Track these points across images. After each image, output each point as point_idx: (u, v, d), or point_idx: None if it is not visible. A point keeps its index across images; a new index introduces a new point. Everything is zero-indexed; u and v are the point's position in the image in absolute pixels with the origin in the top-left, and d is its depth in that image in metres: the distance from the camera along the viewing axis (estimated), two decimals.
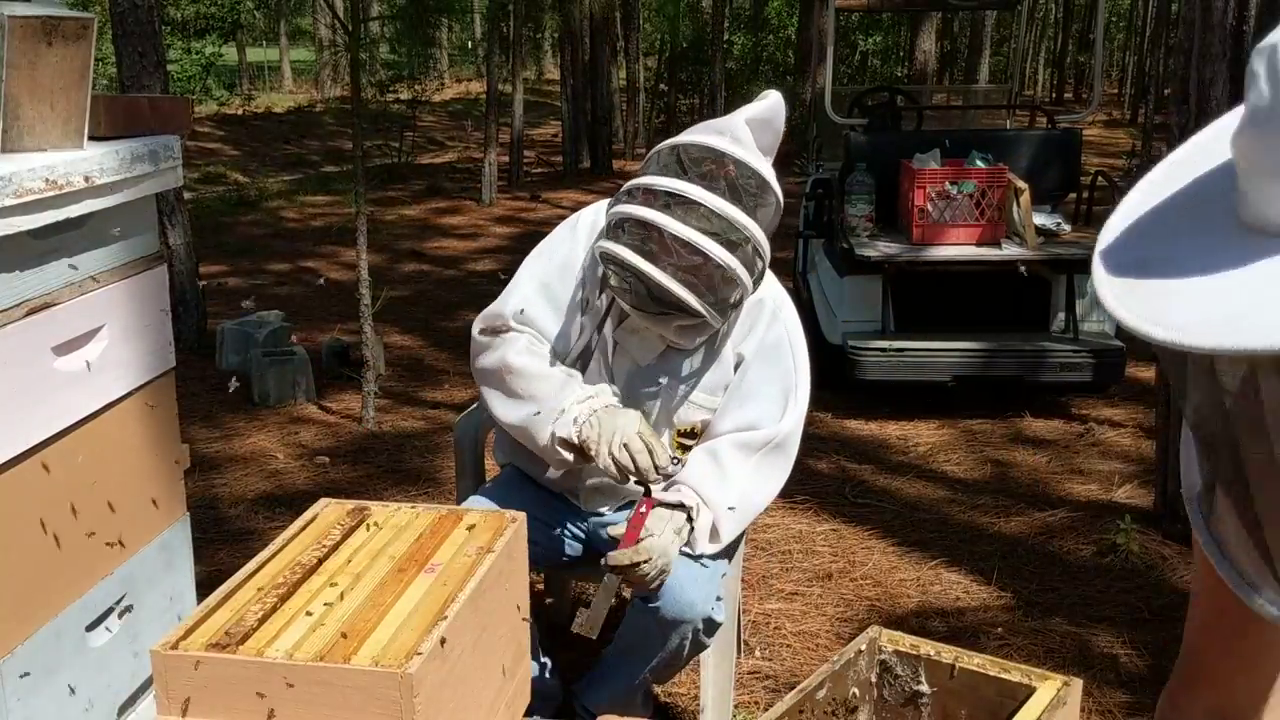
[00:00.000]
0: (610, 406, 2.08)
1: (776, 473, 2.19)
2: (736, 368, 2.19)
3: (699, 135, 1.99)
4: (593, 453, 2.03)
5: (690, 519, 2.07)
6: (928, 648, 2.00)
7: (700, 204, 1.90)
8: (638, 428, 2.03)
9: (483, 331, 2.23)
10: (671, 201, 1.90)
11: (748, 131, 1.98)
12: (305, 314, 6.65)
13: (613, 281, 1.97)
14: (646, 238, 1.91)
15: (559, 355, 2.19)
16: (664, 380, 2.16)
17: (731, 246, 1.90)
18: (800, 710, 1.84)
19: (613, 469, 2.02)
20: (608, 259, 1.95)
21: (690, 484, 2.11)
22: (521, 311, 2.17)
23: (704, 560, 2.19)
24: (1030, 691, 1.89)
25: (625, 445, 2.01)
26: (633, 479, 2.04)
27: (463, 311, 6.87)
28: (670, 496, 2.09)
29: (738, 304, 1.99)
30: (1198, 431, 0.90)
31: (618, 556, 1.99)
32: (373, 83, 13.36)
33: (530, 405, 2.11)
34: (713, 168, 1.92)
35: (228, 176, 13.13)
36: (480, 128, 13.06)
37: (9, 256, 1.71)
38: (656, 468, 2.02)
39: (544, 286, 2.18)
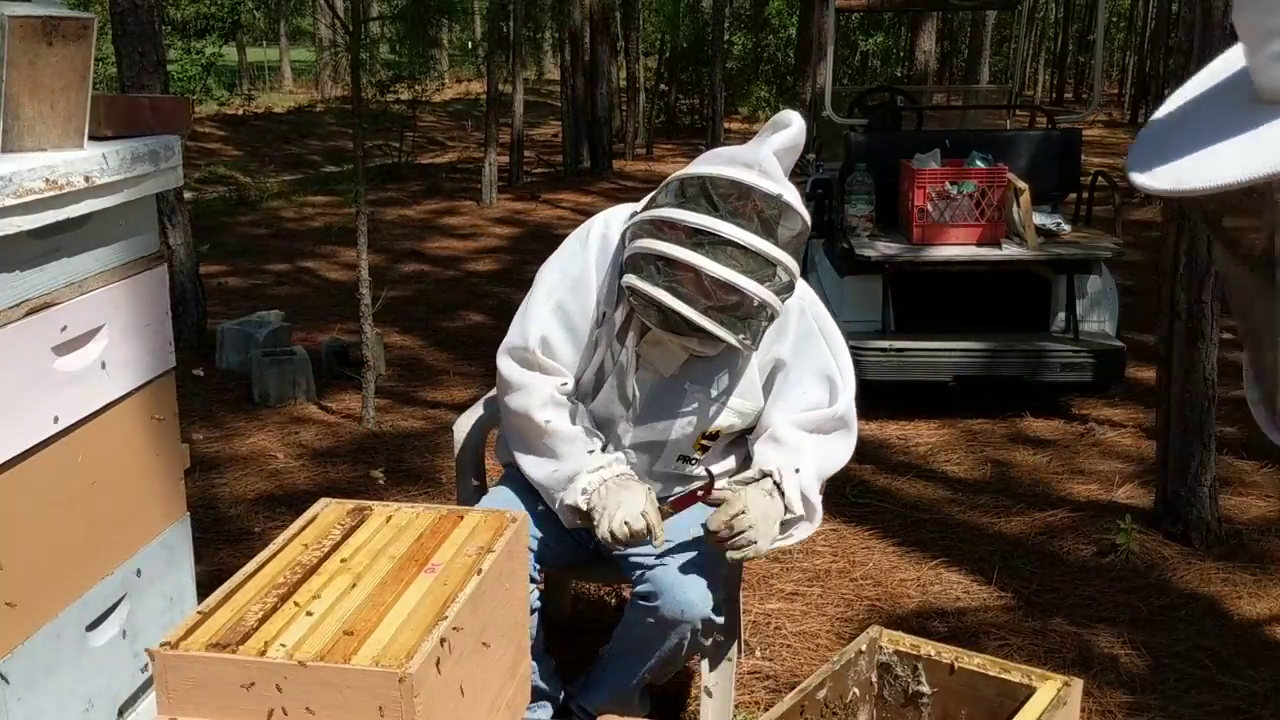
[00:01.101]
0: (621, 477, 2.11)
1: (841, 444, 2.23)
2: (776, 372, 2.19)
3: (725, 169, 1.93)
4: (595, 522, 2.07)
5: (776, 483, 2.08)
6: (928, 648, 2.00)
7: (735, 242, 1.87)
8: (643, 506, 2.07)
9: (510, 362, 2.22)
10: (704, 240, 1.87)
11: (775, 163, 1.95)
12: (305, 314, 6.65)
13: (636, 307, 1.96)
14: (681, 278, 1.88)
15: (576, 377, 2.20)
16: (689, 389, 2.16)
17: (765, 280, 1.89)
18: (800, 710, 1.85)
19: (610, 541, 2.07)
20: (637, 296, 1.93)
21: (761, 461, 2.13)
22: (543, 341, 2.17)
23: (702, 560, 2.19)
24: (1030, 691, 1.89)
25: (627, 523, 2.05)
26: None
27: (463, 312, 6.87)
28: (749, 473, 2.11)
29: (769, 325, 1.99)
30: (1232, 305, 0.97)
31: (716, 519, 2.02)
32: (373, 83, 13.39)
33: (549, 464, 2.17)
34: (742, 203, 1.88)
35: (228, 176, 13.13)
36: (480, 128, 13.06)
37: (9, 256, 1.71)
38: (652, 545, 2.08)
39: (559, 308, 2.17)
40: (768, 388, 2.21)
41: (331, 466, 4.33)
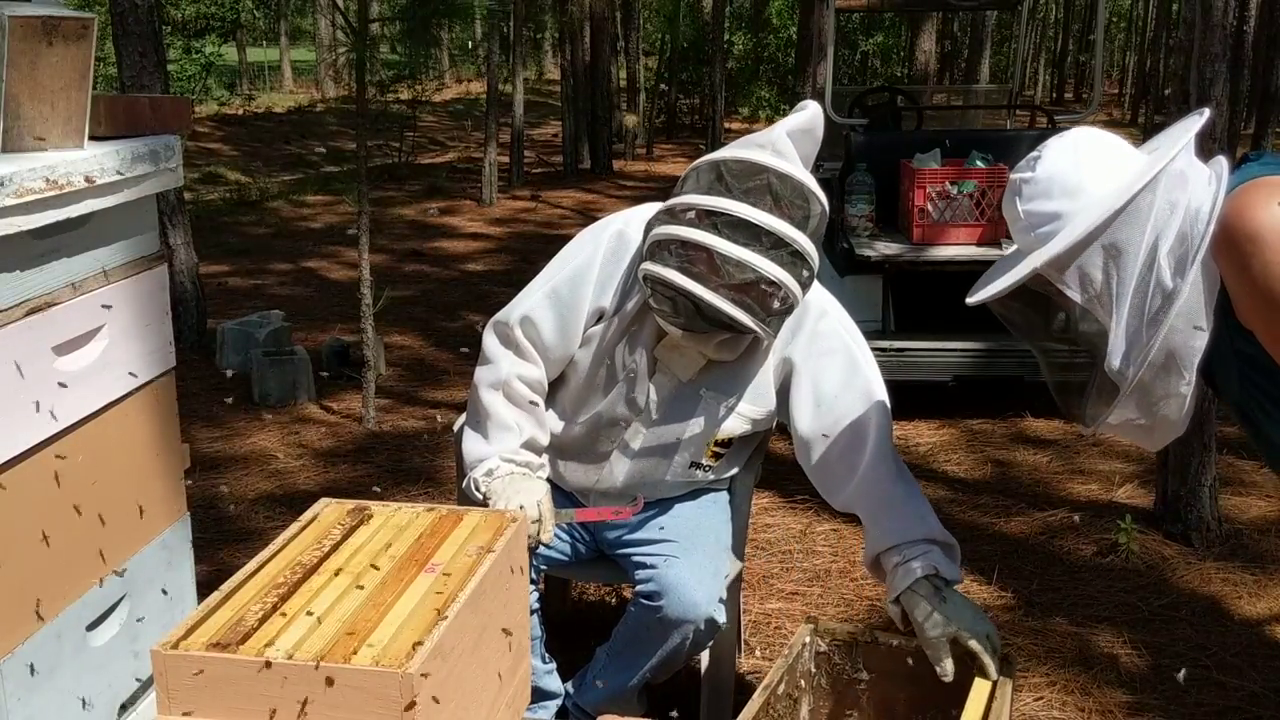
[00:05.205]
0: (525, 475, 2.14)
1: (905, 467, 2.16)
2: (790, 376, 2.15)
3: (740, 150, 1.96)
4: (491, 505, 2.09)
5: (932, 580, 1.98)
6: (865, 635, 2.02)
7: (747, 221, 1.87)
8: (539, 498, 2.08)
9: (491, 334, 2.25)
10: (718, 221, 1.87)
11: (789, 144, 1.95)
12: (305, 314, 6.65)
13: (654, 304, 1.95)
14: (694, 259, 1.88)
15: (558, 362, 2.20)
16: (705, 395, 2.15)
17: (781, 260, 1.88)
18: (768, 708, 1.86)
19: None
20: (653, 282, 1.93)
21: (896, 544, 2.03)
22: (525, 319, 2.18)
23: (707, 560, 2.19)
24: (967, 669, 1.92)
25: (521, 506, 2.05)
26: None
27: (463, 311, 6.87)
28: (899, 586, 2.00)
29: (788, 313, 1.97)
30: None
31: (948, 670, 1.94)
32: (373, 83, 13.37)
33: (476, 440, 2.20)
34: (756, 182, 1.89)
35: (228, 177, 13.13)
36: (480, 127, 13.06)
37: (9, 256, 1.71)
38: (540, 540, 2.09)
39: (554, 293, 2.17)
40: (782, 393, 2.19)
41: (332, 466, 4.33)
